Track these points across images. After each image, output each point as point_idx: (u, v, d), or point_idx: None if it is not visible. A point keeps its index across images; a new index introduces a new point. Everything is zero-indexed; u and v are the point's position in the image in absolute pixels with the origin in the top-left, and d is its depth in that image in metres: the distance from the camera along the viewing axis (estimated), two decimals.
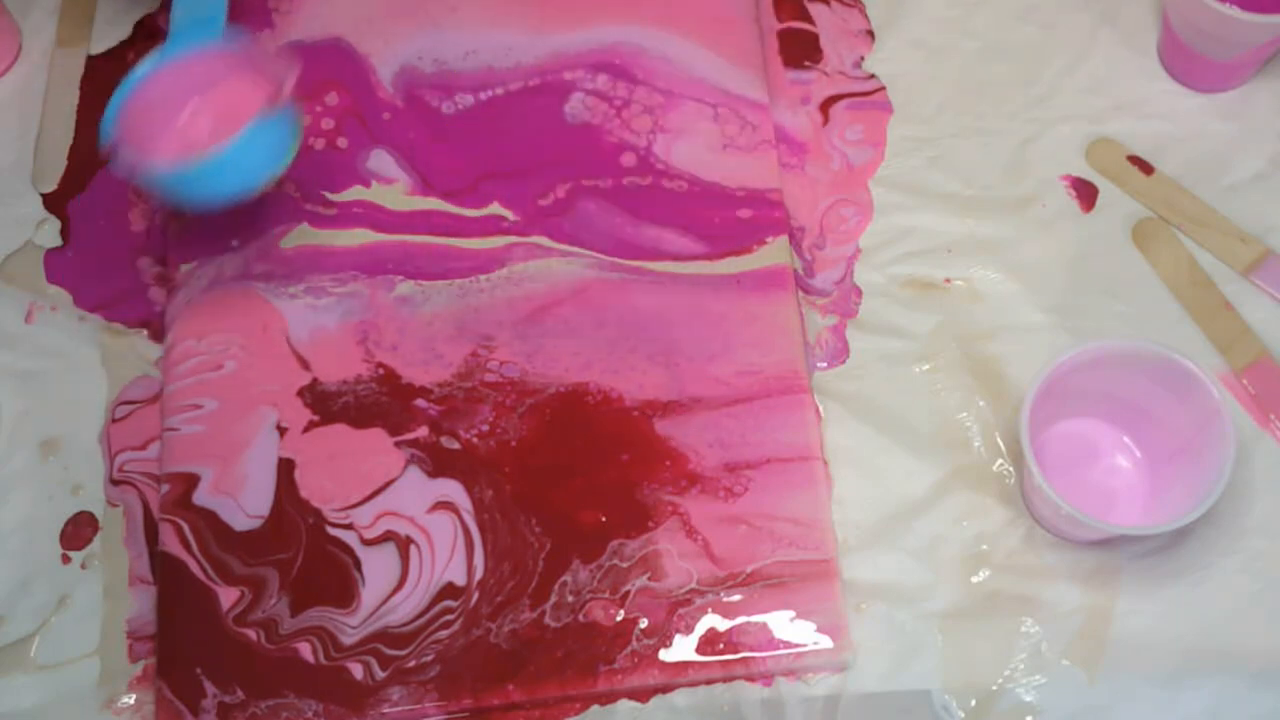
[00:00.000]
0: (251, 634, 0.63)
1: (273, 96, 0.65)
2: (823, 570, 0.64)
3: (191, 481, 0.66)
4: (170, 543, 0.65)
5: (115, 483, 0.68)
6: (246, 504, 0.66)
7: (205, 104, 0.67)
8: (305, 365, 0.69)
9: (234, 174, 0.65)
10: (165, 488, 0.66)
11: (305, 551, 0.65)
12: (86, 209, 0.74)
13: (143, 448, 0.68)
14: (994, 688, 0.63)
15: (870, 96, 0.75)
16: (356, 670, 0.63)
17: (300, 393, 0.68)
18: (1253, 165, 0.73)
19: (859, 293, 0.71)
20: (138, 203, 0.74)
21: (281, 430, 0.67)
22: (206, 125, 0.67)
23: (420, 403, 0.68)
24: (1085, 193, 0.73)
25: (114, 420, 0.69)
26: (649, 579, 0.64)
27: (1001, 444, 0.67)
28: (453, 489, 0.66)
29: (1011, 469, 0.67)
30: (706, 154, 0.73)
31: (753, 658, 0.63)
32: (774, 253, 0.70)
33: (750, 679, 0.63)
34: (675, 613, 0.64)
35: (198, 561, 0.65)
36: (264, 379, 0.68)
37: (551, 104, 0.74)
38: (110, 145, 0.64)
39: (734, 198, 0.72)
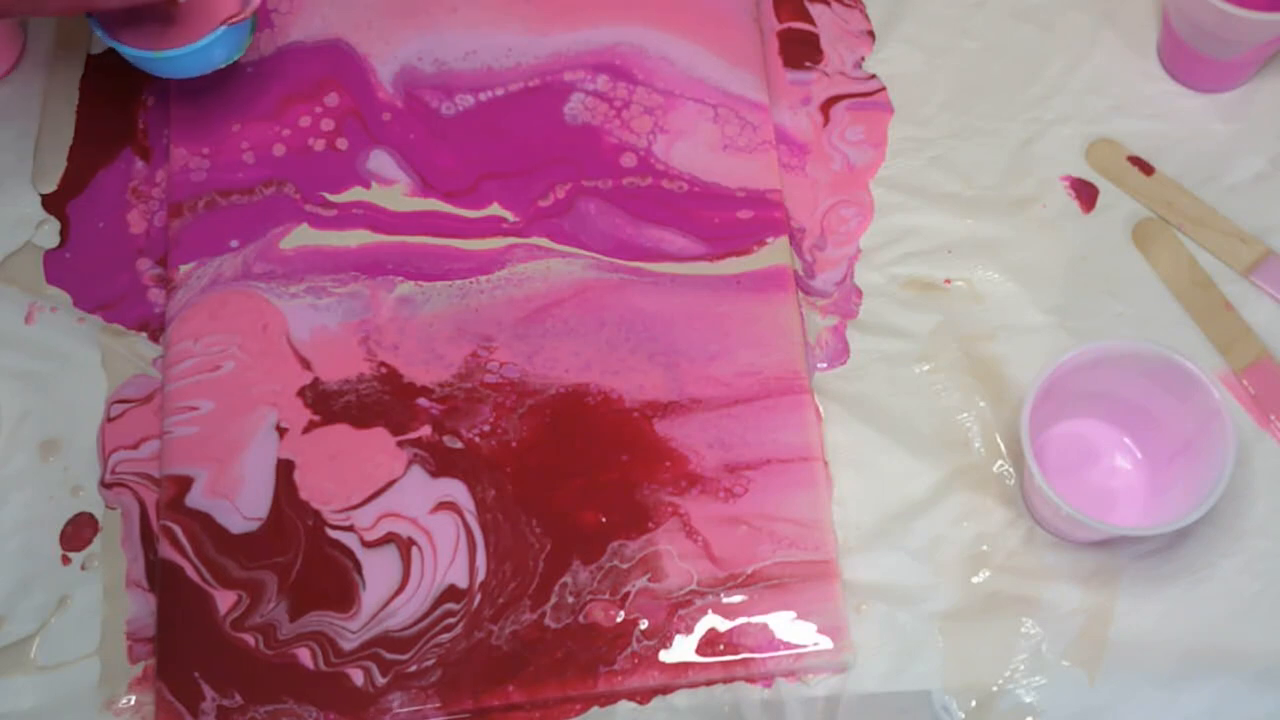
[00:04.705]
0: (249, 639, 0.63)
1: (236, 13, 0.70)
2: (823, 571, 0.64)
3: (185, 484, 0.66)
4: (166, 546, 0.65)
5: (109, 485, 0.68)
6: (244, 506, 0.66)
7: None
8: (306, 365, 0.69)
9: (192, 63, 0.70)
10: (161, 490, 0.66)
11: (304, 554, 0.65)
12: (86, 210, 0.74)
13: (135, 447, 0.68)
14: (994, 688, 0.63)
15: (871, 97, 0.75)
16: (357, 676, 0.63)
17: (301, 392, 0.68)
18: (1253, 165, 0.73)
19: (859, 293, 0.71)
20: (137, 204, 0.74)
21: (281, 431, 0.67)
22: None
23: (423, 402, 0.68)
24: (1085, 193, 0.73)
25: (109, 420, 0.69)
26: (649, 580, 0.64)
27: (1001, 444, 0.67)
28: (456, 489, 0.66)
29: (1011, 469, 0.67)
30: (706, 154, 0.73)
31: (753, 659, 0.63)
32: (774, 253, 0.70)
33: (750, 680, 0.63)
34: (675, 614, 0.63)
35: (193, 565, 0.65)
36: (264, 379, 0.68)
37: (551, 104, 0.74)
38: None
39: (734, 198, 0.72)
